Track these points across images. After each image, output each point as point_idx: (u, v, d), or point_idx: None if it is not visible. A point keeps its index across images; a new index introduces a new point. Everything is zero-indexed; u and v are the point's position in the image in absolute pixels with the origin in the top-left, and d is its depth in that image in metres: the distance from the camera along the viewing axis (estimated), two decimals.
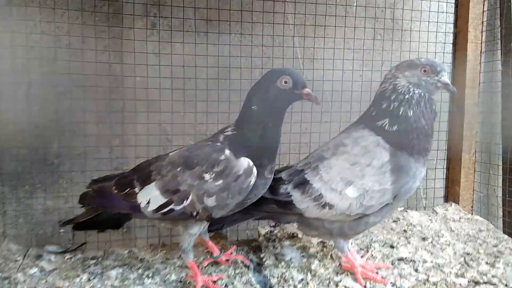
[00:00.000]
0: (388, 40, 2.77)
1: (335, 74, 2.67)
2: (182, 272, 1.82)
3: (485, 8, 2.72)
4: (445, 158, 2.89)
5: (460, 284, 1.74)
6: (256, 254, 2.07)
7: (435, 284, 1.74)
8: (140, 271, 1.84)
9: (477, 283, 1.75)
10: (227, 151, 1.57)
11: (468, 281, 1.76)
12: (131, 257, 1.98)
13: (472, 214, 2.66)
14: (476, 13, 2.70)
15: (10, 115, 2.22)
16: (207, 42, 2.45)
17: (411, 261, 1.93)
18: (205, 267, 1.87)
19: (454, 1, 2.82)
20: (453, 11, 2.83)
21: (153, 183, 1.62)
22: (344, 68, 2.69)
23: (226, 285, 1.74)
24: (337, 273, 1.81)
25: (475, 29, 2.70)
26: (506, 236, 2.24)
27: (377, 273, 1.80)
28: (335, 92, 2.69)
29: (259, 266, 1.95)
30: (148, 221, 1.89)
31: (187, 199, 1.57)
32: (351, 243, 2.06)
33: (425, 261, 1.92)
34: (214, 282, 1.73)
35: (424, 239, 2.18)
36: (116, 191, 1.70)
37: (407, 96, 1.64)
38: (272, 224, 2.26)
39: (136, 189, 1.66)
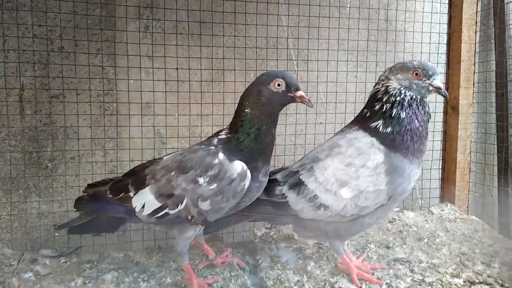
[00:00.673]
0: (382, 41, 2.77)
1: (329, 75, 2.67)
2: (178, 275, 1.81)
3: (479, 9, 2.72)
4: (441, 159, 2.90)
5: (456, 284, 1.74)
6: (252, 256, 2.07)
7: (430, 284, 1.74)
8: (135, 274, 1.84)
9: (472, 283, 1.75)
10: (221, 155, 1.57)
11: (464, 281, 1.77)
12: (127, 261, 1.97)
13: (467, 214, 2.66)
14: (469, 14, 2.70)
15: (3, 119, 2.21)
16: (200, 44, 2.44)
17: (407, 261, 1.93)
18: (201, 269, 1.87)
19: (447, 2, 2.83)
20: (446, 12, 2.84)
21: (147, 187, 1.62)
22: (339, 69, 2.69)
23: None
24: (333, 275, 1.81)
25: (468, 30, 2.70)
26: (501, 236, 2.25)
27: (373, 274, 1.81)
28: (329, 93, 2.69)
29: (255, 268, 1.95)
30: (143, 224, 1.88)
31: (182, 203, 1.57)
32: (347, 244, 2.06)
33: (420, 262, 1.93)
34: (210, 285, 1.73)
35: (420, 239, 2.18)
36: (111, 195, 1.70)
37: (398, 98, 1.64)
38: (268, 225, 2.26)
39: (131, 193, 1.66)
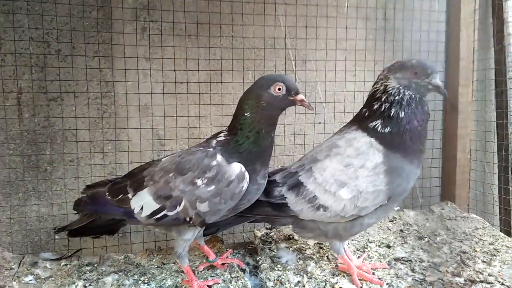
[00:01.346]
0: (380, 40, 2.77)
1: (328, 75, 2.67)
2: (178, 277, 1.80)
3: (477, 7, 2.72)
4: (441, 157, 2.89)
5: (457, 283, 1.73)
6: (252, 257, 2.07)
7: (431, 283, 1.73)
8: (136, 276, 1.83)
9: (473, 281, 1.74)
10: (219, 157, 1.57)
11: (465, 280, 1.76)
12: (127, 263, 1.97)
13: (468, 212, 2.66)
14: (468, 12, 2.70)
15: (1, 122, 2.21)
16: (198, 45, 2.44)
17: (407, 261, 1.93)
18: (201, 271, 1.86)
19: (445, 0, 2.82)
20: (445, 10, 2.83)
21: (146, 189, 1.63)
22: (337, 69, 2.69)
23: None
24: (333, 275, 1.80)
25: (467, 28, 2.70)
26: (502, 234, 2.24)
27: (373, 273, 1.80)
28: (328, 93, 2.69)
29: (255, 269, 1.95)
30: (142, 226, 1.88)
31: (180, 204, 1.57)
32: (348, 244, 2.05)
33: (421, 261, 1.92)
34: (210, 286, 1.72)
35: (420, 238, 2.17)
36: (109, 197, 1.70)
37: (397, 98, 1.63)
38: (268, 226, 2.26)
39: (130, 195, 1.66)
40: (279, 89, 1.55)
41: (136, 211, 1.63)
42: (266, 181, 1.68)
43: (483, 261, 1.92)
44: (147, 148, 2.42)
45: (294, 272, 1.82)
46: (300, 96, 1.57)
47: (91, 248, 2.30)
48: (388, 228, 2.31)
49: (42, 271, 1.90)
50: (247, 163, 1.57)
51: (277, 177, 1.78)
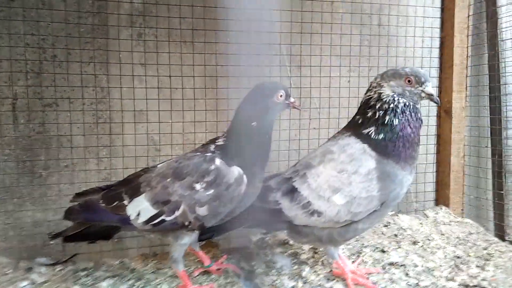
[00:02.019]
0: (375, 46, 2.78)
1: (322, 80, 2.68)
2: (173, 282, 1.81)
3: (471, 13, 2.74)
4: (435, 162, 2.91)
5: None
6: (247, 262, 2.06)
7: None
8: (131, 281, 1.83)
9: (467, 286, 1.76)
10: (218, 161, 1.60)
11: (458, 285, 1.77)
12: (122, 268, 1.97)
13: (462, 217, 2.67)
14: (461, 18, 2.72)
15: None
16: (193, 51, 2.45)
17: (401, 265, 1.93)
18: (196, 276, 1.86)
19: (440, 6, 2.84)
20: (439, 16, 2.85)
21: (142, 195, 1.63)
22: (332, 75, 2.70)
23: None
24: (328, 280, 1.81)
25: (461, 34, 2.72)
26: (496, 239, 2.26)
27: (368, 278, 1.81)
28: (323, 98, 2.70)
29: (250, 274, 1.95)
30: (138, 232, 1.89)
31: (179, 209, 1.58)
32: (342, 249, 2.06)
33: (415, 265, 1.93)
34: None
35: (414, 243, 2.18)
36: (103, 204, 1.69)
37: (392, 105, 1.65)
38: (264, 231, 2.26)
39: (125, 202, 1.66)
40: (281, 96, 1.65)
41: (132, 217, 1.63)
42: (261, 185, 1.70)
43: (477, 266, 1.94)
44: (142, 154, 2.43)
45: (288, 277, 1.83)
46: (292, 99, 1.69)
47: (87, 253, 2.29)
48: (382, 233, 2.32)
49: (38, 276, 1.90)
50: (248, 166, 1.60)
51: (272, 183, 1.79)
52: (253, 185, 1.63)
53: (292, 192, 1.72)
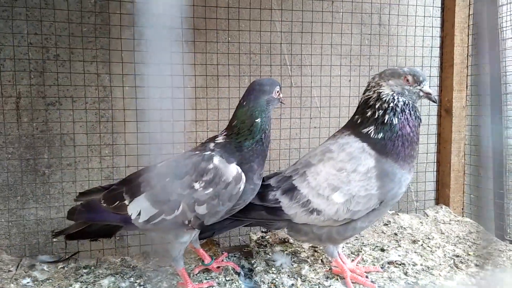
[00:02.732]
0: (375, 45, 2.79)
1: (323, 80, 2.70)
2: (174, 280, 1.82)
3: (471, 12, 2.74)
4: (435, 161, 2.91)
5: (449, 287, 1.75)
6: (247, 260, 2.08)
7: (424, 287, 1.75)
8: (132, 279, 1.85)
9: (465, 285, 1.76)
10: (216, 159, 1.61)
11: (457, 284, 1.78)
12: (124, 265, 1.98)
13: (463, 216, 2.68)
14: (462, 17, 2.72)
15: (0, 126, 2.23)
16: (194, 50, 2.46)
17: (401, 264, 1.94)
18: (196, 274, 1.87)
19: (440, 6, 2.85)
20: (439, 15, 2.86)
21: (143, 195, 1.64)
22: (332, 74, 2.71)
23: None
24: (327, 278, 1.82)
25: (461, 33, 2.72)
26: (495, 238, 2.26)
27: (367, 277, 1.81)
28: (323, 97, 2.71)
29: (250, 272, 1.96)
30: (139, 231, 1.90)
31: (178, 208, 1.59)
32: (343, 247, 2.07)
33: (415, 264, 1.94)
34: None
35: (414, 242, 2.19)
36: (105, 204, 1.70)
37: (391, 105, 1.66)
38: (264, 229, 2.28)
39: (126, 201, 1.67)
40: (278, 91, 1.71)
41: (133, 217, 1.64)
42: (260, 182, 1.72)
43: (476, 265, 1.94)
44: (144, 153, 2.44)
45: (288, 275, 1.84)
46: (281, 94, 1.77)
47: (89, 250, 2.32)
48: (382, 232, 2.33)
49: (40, 274, 1.92)
50: (246, 162, 1.63)
51: (272, 181, 1.80)
52: (252, 181, 1.65)
53: (291, 190, 1.73)
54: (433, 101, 1.72)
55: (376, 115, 1.67)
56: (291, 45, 2.63)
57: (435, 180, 2.93)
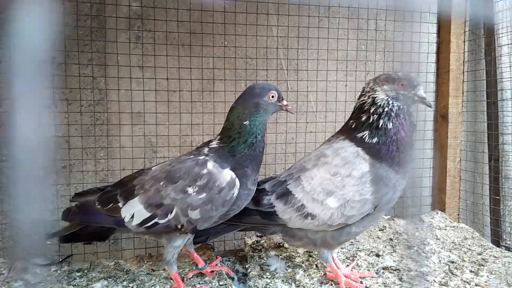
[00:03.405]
0: (371, 51, 2.79)
1: (319, 84, 2.70)
2: (167, 284, 1.81)
3: (467, 18, 2.74)
4: (431, 167, 2.91)
5: None
6: (242, 264, 2.08)
7: None
8: (125, 283, 1.84)
9: None
10: (210, 164, 1.61)
11: None
12: (117, 269, 1.97)
13: (458, 222, 2.67)
14: (458, 23, 2.73)
15: None
16: (190, 54, 2.46)
17: (396, 270, 1.94)
18: (190, 278, 1.87)
19: (436, 11, 2.85)
20: (435, 21, 2.86)
21: (136, 198, 1.64)
22: (329, 79, 2.71)
23: None
24: (321, 283, 1.81)
25: (457, 39, 2.73)
26: (490, 244, 2.26)
27: (361, 282, 1.81)
28: (319, 102, 2.71)
29: (244, 277, 1.96)
30: (133, 233, 1.90)
31: (171, 212, 1.59)
32: (338, 253, 2.06)
33: (409, 270, 1.93)
34: None
35: (409, 247, 2.18)
36: (99, 206, 1.70)
37: (386, 109, 1.66)
38: (259, 234, 2.27)
39: (120, 204, 1.67)
40: (273, 96, 1.68)
41: (126, 219, 1.64)
42: (255, 187, 1.71)
43: (471, 271, 1.94)
44: (139, 156, 2.44)
45: (282, 280, 1.83)
46: (285, 101, 1.73)
47: (82, 254, 2.31)
48: (378, 237, 2.32)
49: (32, 277, 1.89)
50: (240, 167, 1.62)
51: (266, 186, 1.80)
52: (246, 187, 1.64)
53: (286, 195, 1.73)
54: (428, 106, 1.72)
55: (371, 120, 1.67)
56: (287, 50, 2.64)
57: (431, 185, 2.92)
